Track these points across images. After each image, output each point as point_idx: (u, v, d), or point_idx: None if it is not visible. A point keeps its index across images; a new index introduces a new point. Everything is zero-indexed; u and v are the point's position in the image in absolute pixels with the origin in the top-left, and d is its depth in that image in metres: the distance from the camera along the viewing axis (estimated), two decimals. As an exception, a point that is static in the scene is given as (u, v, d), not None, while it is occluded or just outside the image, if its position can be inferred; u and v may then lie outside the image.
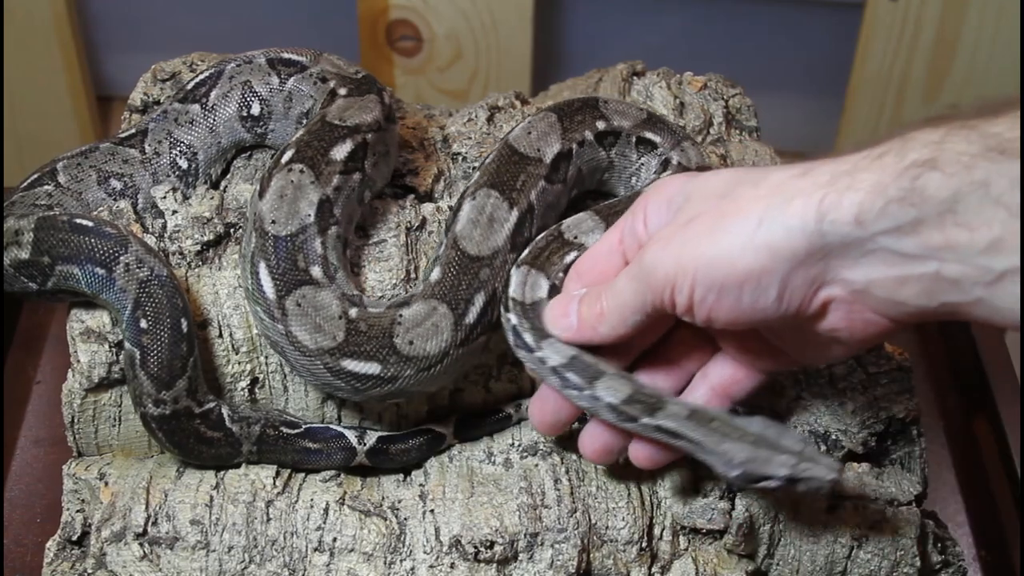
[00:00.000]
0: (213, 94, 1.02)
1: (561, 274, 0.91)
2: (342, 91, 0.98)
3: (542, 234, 0.94)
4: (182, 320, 0.91)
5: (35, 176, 1.00)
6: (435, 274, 0.91)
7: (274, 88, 1.02)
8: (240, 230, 0.98)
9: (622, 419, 0.86)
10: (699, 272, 0.76)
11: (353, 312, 0.89)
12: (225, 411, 0.94)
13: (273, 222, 0.89)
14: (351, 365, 0.88)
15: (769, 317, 0.76)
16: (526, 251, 0.93)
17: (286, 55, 1.02)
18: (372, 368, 0.88)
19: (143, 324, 0.90)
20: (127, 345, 0.91)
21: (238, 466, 0.96)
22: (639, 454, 0.89)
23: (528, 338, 0.89)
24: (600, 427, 0.89)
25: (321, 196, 0.90)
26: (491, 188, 0.93)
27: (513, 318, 0.90)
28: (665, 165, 0.99)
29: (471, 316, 0.90)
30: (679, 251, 0.77)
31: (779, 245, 0.73)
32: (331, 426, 0.97)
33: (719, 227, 0.75)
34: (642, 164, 1.00)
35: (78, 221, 0.92)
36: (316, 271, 0.89)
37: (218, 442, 0.94)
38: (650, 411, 0.85)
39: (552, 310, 0.88)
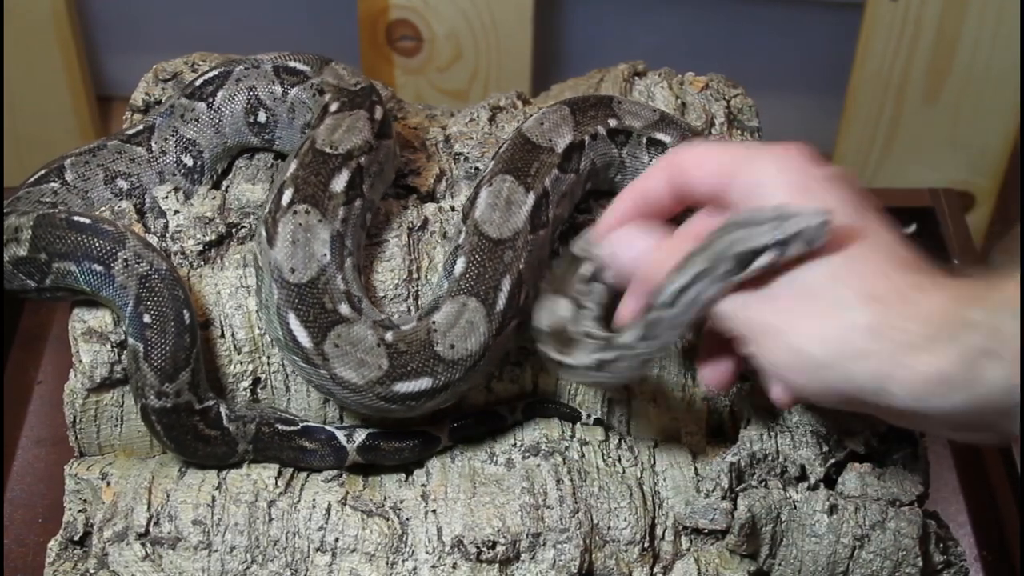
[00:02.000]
0: (219, 95, 1.01)
1: (579, 285, 0.92)
2: (333, 107, 0.96)
3: (556, 260, 0.95)
4: (184, 312, 0.91)
5: (42, 172, 1.00)
6: (459, 265, 0.91)
7: (277, 98, 1.01)
8: (243, 229, 0.98)
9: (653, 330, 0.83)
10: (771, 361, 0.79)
11: (389, 336, 0.89)
12: (223, 410, 0.94)
13: (292, 270, 0.88)
14: (403, 387, 0.88)
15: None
16: (545, 279, 0.94)
17: (291, 63, 1.01)
18: (424, 384, 0.88)
19: (146, 319, 0.90)
20: (130, 340, 0.91)
21: (234, 465, 0.96)
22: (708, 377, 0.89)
23: (553, 354, 0.89)
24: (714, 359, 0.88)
25: (332, 232, 0.89)
26: (506, 174, 0.94)
27: (540, 347, 0.91)
28: None
29: (500, 303, 0.90)
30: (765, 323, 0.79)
31: (838, 387, 0.77)
32: (323, 426, 0.97)
33: (790, 338, 0.77)
34: None
35: (75, 219, 0.92)
36: (344, 308, 0.88)
37: (215, 440, 0.94)
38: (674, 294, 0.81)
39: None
